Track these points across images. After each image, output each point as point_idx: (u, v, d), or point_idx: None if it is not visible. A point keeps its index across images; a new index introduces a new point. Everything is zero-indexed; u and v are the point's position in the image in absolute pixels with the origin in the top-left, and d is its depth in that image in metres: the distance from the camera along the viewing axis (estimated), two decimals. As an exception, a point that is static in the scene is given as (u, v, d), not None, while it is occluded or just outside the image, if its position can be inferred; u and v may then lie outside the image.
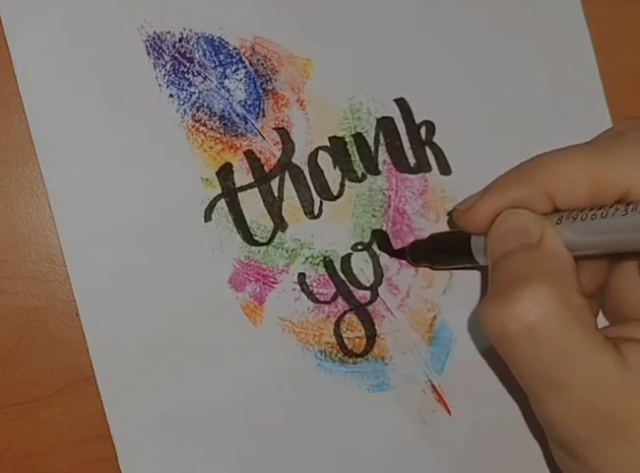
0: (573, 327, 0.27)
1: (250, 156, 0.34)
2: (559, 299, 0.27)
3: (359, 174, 0.35)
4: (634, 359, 0.27)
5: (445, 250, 0.34)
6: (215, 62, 0.34)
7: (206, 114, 0.34)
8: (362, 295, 0.35)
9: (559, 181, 0.29)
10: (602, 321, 0.34)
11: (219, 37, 0.34)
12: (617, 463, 0.27)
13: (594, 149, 0.28)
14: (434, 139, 0.36)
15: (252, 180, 0.34)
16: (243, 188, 0.34)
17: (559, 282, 0.28)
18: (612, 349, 0.27)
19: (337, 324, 0.35)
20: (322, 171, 0.35)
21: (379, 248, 0.35)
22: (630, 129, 0.28)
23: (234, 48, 0.34)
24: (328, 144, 0.35)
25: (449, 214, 0.36)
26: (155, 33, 0.33)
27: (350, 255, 0.35)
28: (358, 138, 0.36)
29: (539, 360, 0.28)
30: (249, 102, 0.34)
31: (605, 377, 0.27)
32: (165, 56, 0.33)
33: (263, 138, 0.34)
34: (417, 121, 0.36)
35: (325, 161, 0.35)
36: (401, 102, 0.36)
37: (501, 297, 0.28)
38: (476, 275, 0.36)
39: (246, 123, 0.34)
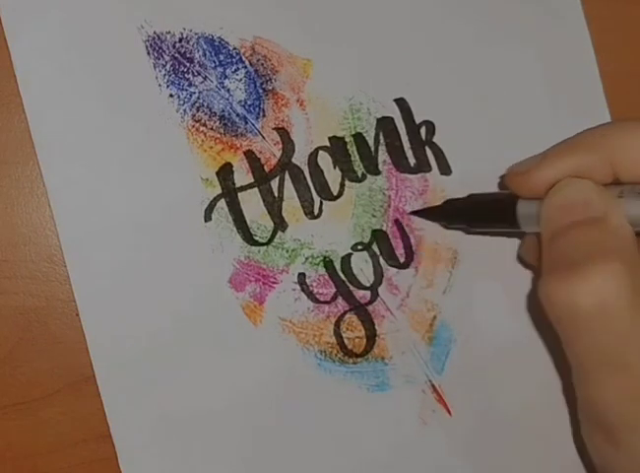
0: None
1: (250, 156, 0.34)
2: (631, 277, 0.27)
3: (359, 174, 0.35)
4: None
5: (487, 211, 0.32)
6: (215, 62, 0.34)
7: (206, 114, 0.34)
8: (362, 295, 0.35)
9: (626, 153, 0.28)
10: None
11: (219, 37, 0.34)
12: None
13: None
14: (434, 139, 0.36)
15: (252, 180, 0.34)
16: (243, 188, 0.34)
17: (628, 260, 0.27)
18: None
19: (337, 324, 0.35)
20: (322, 171, 0.35)
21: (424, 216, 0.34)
22: None
23: (234, 48, 0.34)
24: (328, 144, 0.35)
25: (502, 177, 0.34)
26: (155, 33, 0.33)
27: (350, 255, 0.35)
28: (358, 138, 0.36)
29: (607, 338, 0.27)
30: (249, 102, 0.34)
31: None
32: (165, 56, 0.33)
33: (263, 138, 0.34)
34: (417, 121, 0.36)
35: (325, 161, 0.35)
36: (401, 102, 0.36)
37: (571, 271, 0.27)
38: (476, 274, 0.36)
39: (246, 123, 0.34)
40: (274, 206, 0.34)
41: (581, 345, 0.28)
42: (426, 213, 0.35)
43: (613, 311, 0.27)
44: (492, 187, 0.36)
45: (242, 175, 0.34)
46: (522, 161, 0.31)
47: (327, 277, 0.35)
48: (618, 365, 0.27)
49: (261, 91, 0.35)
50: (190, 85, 0.34)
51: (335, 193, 0.35)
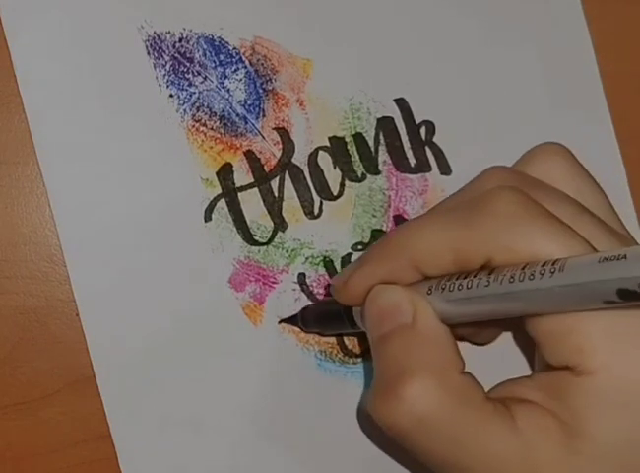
0: (460, 411, 0.27)
1: (250, 156, 0.34)
2: (441, 387, 0.27)
3: (359, 174, 0.35)
4: (523, 422, 0.27)
5: (332, 317, 0.33)
6: (215, 62, 0.34)
7: (206, 114, 0.34)
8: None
9: (422, 254, 0.28)
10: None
11: (219, 37, 0.34)
12: None
13: (454, 219, 0.28)
14: (434, 139, 0.36)
15: (252, 180, 0.34)
16: (243, 188, 0.34)
17: (439, 368, 0.28)
18: (500, 418, 0.27)
19: (337, 324, 0.35)
20: (322, 171, 0.35)
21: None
22: (494, 195, 0.27)
23: (234, 48, 0.34)
24: (328, 144, 0.35)
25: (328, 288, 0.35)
26: (155, 32, 0.33)
27: (350, 255, 0.35)
28: (358, 138, 0.36)
29: (436, 449, 0.28)
30: (249, 102, 0.34)
31: (500, 452, 0.27)
32: (165, 56, 0.33)
33: (263, 138, 0.34)
34: (417, 121, 0.36)
35: (325, 161, 0.35)
36: (401, 102, 0.36)
37: (386, 392, 0.28)
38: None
39: (246, 123, 0.34)
40: (274, 206, 0.34)
41: (421, 458, 0.29)
42: (288, 321, 0.35)
43: (432, 426, 0.27)
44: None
45: (242, 175, 0.34)
46: (340, 272, 0.32)
47: (327, 277, 0.35)
48: (461, 468, 0.28)
49: (261, 91, 0.35)
50: (190, 85, 0.34)
51: (335, 193, 0.35)
